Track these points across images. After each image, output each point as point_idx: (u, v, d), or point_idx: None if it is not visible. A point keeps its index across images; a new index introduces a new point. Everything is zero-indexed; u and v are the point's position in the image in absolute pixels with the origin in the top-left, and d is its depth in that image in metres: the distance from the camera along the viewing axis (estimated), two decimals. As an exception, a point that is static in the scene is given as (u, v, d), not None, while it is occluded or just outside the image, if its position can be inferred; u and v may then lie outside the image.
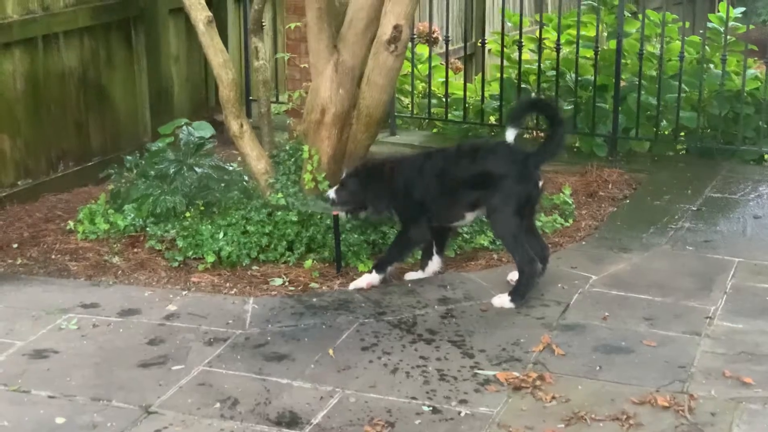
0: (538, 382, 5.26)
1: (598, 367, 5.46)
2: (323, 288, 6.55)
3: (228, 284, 6.59)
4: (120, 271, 6.80)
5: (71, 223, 7.49)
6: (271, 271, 6.76)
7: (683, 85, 9.42)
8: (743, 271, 6.75)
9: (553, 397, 5.13)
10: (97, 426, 4.89)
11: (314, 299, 6.36)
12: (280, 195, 7.11)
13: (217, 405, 5.09)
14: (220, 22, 8.63)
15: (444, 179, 6.41)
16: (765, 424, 4.86)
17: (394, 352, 5.64)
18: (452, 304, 6.26)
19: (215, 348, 5.69)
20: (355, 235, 6.96)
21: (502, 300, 6.21)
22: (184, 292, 6.46)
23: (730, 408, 5.01)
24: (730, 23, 9.81)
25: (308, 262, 6.84)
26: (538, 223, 7.43)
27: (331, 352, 5.64)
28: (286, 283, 6.59)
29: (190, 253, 6.93)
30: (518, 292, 6.21)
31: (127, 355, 5.61)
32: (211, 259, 6.82)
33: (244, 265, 6.84)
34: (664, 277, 6.67)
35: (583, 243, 7.36)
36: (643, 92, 9.41)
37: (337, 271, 6.76)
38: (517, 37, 9.85)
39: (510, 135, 6.42)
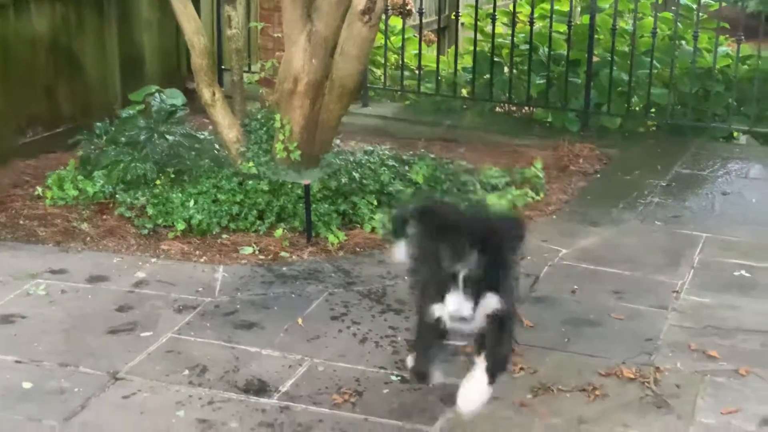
0: (506, 353, 5.27)
1: (566, 340, 5.49)
2: (293, 257, 6.55)
3: (198, 252, 6.57)
4: (89, 238, 6.77)
5: (39, 189, 7.43)
6: (242, 240, 6.75)
7: (655, 62, 9.47)
8: (711, 246, 6.80)
9: (522, 368, 5.16)
10: (65, 391, 4.88)
11: (284, 268, 6.35)
12: (251, 164, 7.09)
13: (186, 372, 5.08)
14: (193, -11, 8.55)
15: None
16: (729, 396, 4.91)
17: (363, 322, 5.65)
18: (422, 275, 6.26)
19: (184, 315, 5.68)
20: (326, 205, 6.95)
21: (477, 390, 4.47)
22: (153, 260, 6.44)
23: (695, 381, 5.05)
24: (703, 0, 9.84)
25: (279, 231, 6.83)
26: (508, 197, 7.47)
27: (300, 321, 5.65)
28: (257, 252, 6.57)
29: (160, 220, 6.90)
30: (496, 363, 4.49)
31: (95, 322, 5.59)
32: (181, 227, 6.80)
33: (214, 233, 6.82)
34: (633, 251, 6.71)
35: (554, 217, 7.39)
36: (615, 68, 9.44)
37: (308, 241, 6.75)
38: (491, 10, 9.85)
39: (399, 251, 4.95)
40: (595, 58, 9.56)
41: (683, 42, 9.94)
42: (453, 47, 10.67)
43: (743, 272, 6.39)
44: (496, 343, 4.40)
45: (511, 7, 10.04)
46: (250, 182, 6.98)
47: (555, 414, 4.75)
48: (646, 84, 9.42)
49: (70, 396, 4.84)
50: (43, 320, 5.60)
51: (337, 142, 7.90)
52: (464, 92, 10.05)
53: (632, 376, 5.08)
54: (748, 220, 7.36)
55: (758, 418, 4.74)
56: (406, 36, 10.46)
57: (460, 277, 4.13)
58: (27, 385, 4.93)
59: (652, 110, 9.82)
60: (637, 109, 9.86)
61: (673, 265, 6.47)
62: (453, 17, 10.86)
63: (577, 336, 5.52)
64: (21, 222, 7.00)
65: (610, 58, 9.41)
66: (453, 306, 4.17)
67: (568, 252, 6.68)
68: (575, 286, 6.15)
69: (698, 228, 7.12)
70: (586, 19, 9.86)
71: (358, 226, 6.99)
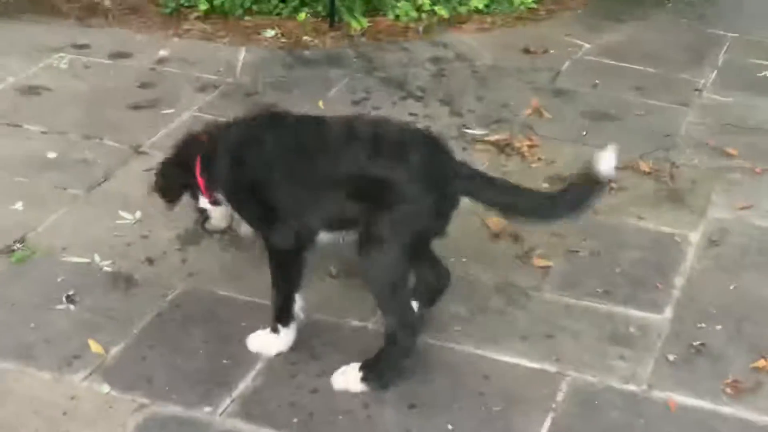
0: (524, 144, 5.31)
1: (584, 132, 5.50)
2: (315, 42, 6.51)
3: (220, 33, 6.55)
4: (111, 15, 6.73)
5: (62, -36, 7.36)
6: (264, 23, 6.71)
7: None
8: (736, 46, 6.72)
9: (539, 159, 5.20)
10: (88, 162, 4.96)
11: (306, 52, 6.34)
12: (275, -55, 6.98)
13: (207, 148, 5.13)
14: None
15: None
16: (742, 193, 4.95)
17: (383, 107, 5.67)
18: (444, 64, 6.25)
19: (206, 94, 5.70)
20: (350, -9, 6.89)
21: (348, 378, 3.69)
22: (175, 39, 6.43)
23: (710, 176, 5.09)
24: None
25: (301, 16, 6.77)
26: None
27: (320, 103, 5.66)
28: (279, 35, 6.54)
29: (183, 0, 6.84)
30: (377, 369, 3.70)
31: (118, 97, 5.63)
32: (203, 7, 6.75)
33: (236, 15, 6.77)
34: (657, 48, 6.65)
35: (579, 12, 7.29)
36: None
37: (330, 26, 6.70)
38: None
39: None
40: None
41: None
42: None
43: (767, 73, 6.34)
44: None
45: None
46: (274, -35, 6.88)
47: (569, 203, 4.80)
48: None
49: (93, 166, 4.93)
50: (67, 93, 5.64)
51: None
52: None
53: (648, 170, 5.12)
54: (777, 22, 7.26)
55: (770, 215, 4.81)
56: None
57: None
58: (52, 154, 5.01)
59: None
60: None
61: (696, 64, 6.43)
62: None
63: (596, 129, 5.54)
64: (43, -4, 6.97)
65: None
66: None
67: (591, 47, 6.63)
68: (596, 81, 6.12)
69: (725, 28, 7.02)
70: None
71: (382, 13, 6.92)
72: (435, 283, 3.92)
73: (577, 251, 4.44)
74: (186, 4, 6.84)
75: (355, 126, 3.69)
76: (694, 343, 3.91)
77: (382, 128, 3.68)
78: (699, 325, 4.01)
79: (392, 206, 3.51)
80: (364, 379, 3.66)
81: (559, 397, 3.63)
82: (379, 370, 3.67)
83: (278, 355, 3.76)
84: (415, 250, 3.65)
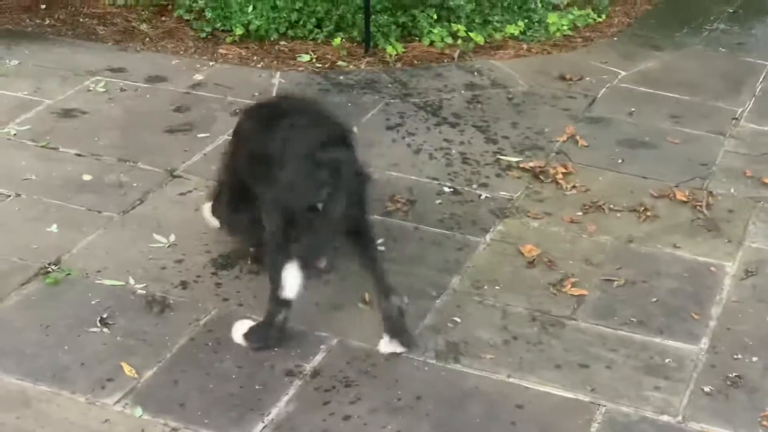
0: (559, 171, 5.29)
1: (620, 160, 5.48)
2: (350, 67, 6.53)
3: (255, 57, 6.57)
4: (147, 39, 6.78)
5: (99, -13, 7.43)
6: (299, 48, 6.73)
7: None
8: (774, 76, 6.70)
9: (573, 186, 5.17)
10: (123, 185, 4.98)
11: (341, 77, 6.35)
12: (311, -29, 7.01)
13: (242, 173, 5.15)
14: None
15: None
16: (781, 223, 4.92)
17: (418, 133, 5.67)
18: (479, 90, 6.25)
19: (241, 118, 5.71)
20: (385, 17, 6.89)
21: (238, 329, 3.96)
22: (211, 63, 6.46)
23: (747, 206, 5.05)
24: None
25: (336, 41, 6.79)
26: (569, 17, 7.35)
27: (355, 129, 5.65)
28: (314, 60, 6.56)
29: (219, 24, 6.88)
30: (256, 331, 3.94)
31: (153, 120, 5.65)
32: (239, 31, 6.78)
33: (272, 39, 6.80)
34: (693, 76, 6.62)
35: (615, 39, 7.28)
36: None
37: (365, 51, 6.71)
38: None
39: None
40: None
41: None
42: None
43: (805, 103, 6.31)
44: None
45: None
46: (310, -10, 6.92)
47: (604, 231, 4.78)
48: None
49: (128, 190, 4.94)
50: (103, 116, 5.67)
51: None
52: None
53: (684, 199, 5.08)
54: (815, 51, 7.21)
55: (808, 246, 4.77)
56: None
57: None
58: (87, 177, 5.03)
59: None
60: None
61: (733, 92, 6.39)
62: None
63: (632, 157, 5.51)
64: (81, 20, 7.02)
65: None
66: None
67: (627, 74, 6.60)
68: (632, 109, 6.10)
69: (763, 56, 6.98)
70: None
71: (417, 39, 6.93)
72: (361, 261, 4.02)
73: (611, 280, 4.41)
74: (222, 29, 6.87)
75: (279, 107, 4.20)
76: (730, 375, 3.87)
77: (289, 108, 4.09)
78: (735, 357, 3.97)
79: (271, 182, 3.80)
80: (245, 336, 3.91)
81: (594, 427, 3.59)
82: (254, 329, 3.92)
83: (311, 379, 3.75)
84: (294, 226, 3.78)
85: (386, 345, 3.92)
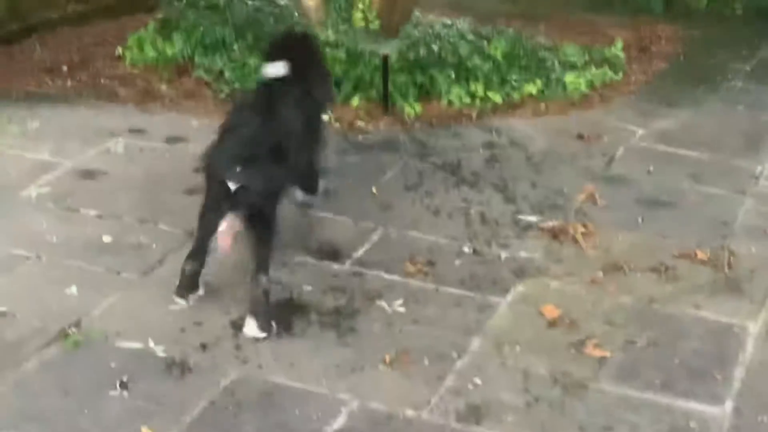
0: (579, 231, 5.27)
1: (640, 220, 5.46)
2: (369, 127, 6.55)
3: (274, 118, 6.59)
4: (168, 99, 6.83)
5: (120, 49, 7.48)
6: (318, 108, 6.75)
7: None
8: (793, 133, 6.69)
9: (593, 246, 5.16)
10: (143, 246, 4.98)
11: (359, 137, 6.37)
12: (330, 32, 7.05)
13: (261, 233, 5.15)
14: None
15: None
16: (803, 283, 4.89)
17: (437, 193, 5.67)
18: (497, 150, 6.25)
19: (260, 179, 5.72)
20: (403, 77, 6.92)
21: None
22: (230, 123, 6.48)
23: (769, 266, 5.03)
24: None
25: (355, 101, 6.82)
26: (587, 76, 7.36)
27: (374, 189, 5.68)
28: (332, 120, 6.58)
29: (238, 84, 6.93)
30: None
31: (173, 181, 5.67)
32: (258, 92, 6.81)
33: (290, 99, 6.83)
34: (712, 135, 6.62)
35: (632, 97, 7.30)
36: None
37: (384, 111, 6.74)
38: None
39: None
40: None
41: None
42: None
43: (825, 161, 6.29)
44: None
45: None
46: (328, 50, 6.94)
47: (625, 292, 4.76)
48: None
49: (148, 251, 4.95)
50: (123, 177, 5.69)
51: (417, 14, 7.81)
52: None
53: (705, 258, 5.06)
54: (834, 109, 7.21)
55: (831, 306, 4.72)
56: None
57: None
58: (107, 238, 5.04)
59: (739, -8, 9.56)
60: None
61: (753, 150, 6.38)
62: None
63: (651, 217, 5.50)
64: (102, 81, 7.08)
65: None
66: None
67: (645, 133, 6.61)
68: (651, 167, 6.09)
69: (781, 114, 7.00)
70: None
71: (435, 98, 6.95)
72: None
73: (634, 341, 4.37)
74: (240, 89, 6.92)
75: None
76: (756, 438, 3.83)
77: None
78: (760, 419, 3.93)
79: None
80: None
81: (618, 492, 3.55)
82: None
83: None
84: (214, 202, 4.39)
85: (248, 328, 4.28)
